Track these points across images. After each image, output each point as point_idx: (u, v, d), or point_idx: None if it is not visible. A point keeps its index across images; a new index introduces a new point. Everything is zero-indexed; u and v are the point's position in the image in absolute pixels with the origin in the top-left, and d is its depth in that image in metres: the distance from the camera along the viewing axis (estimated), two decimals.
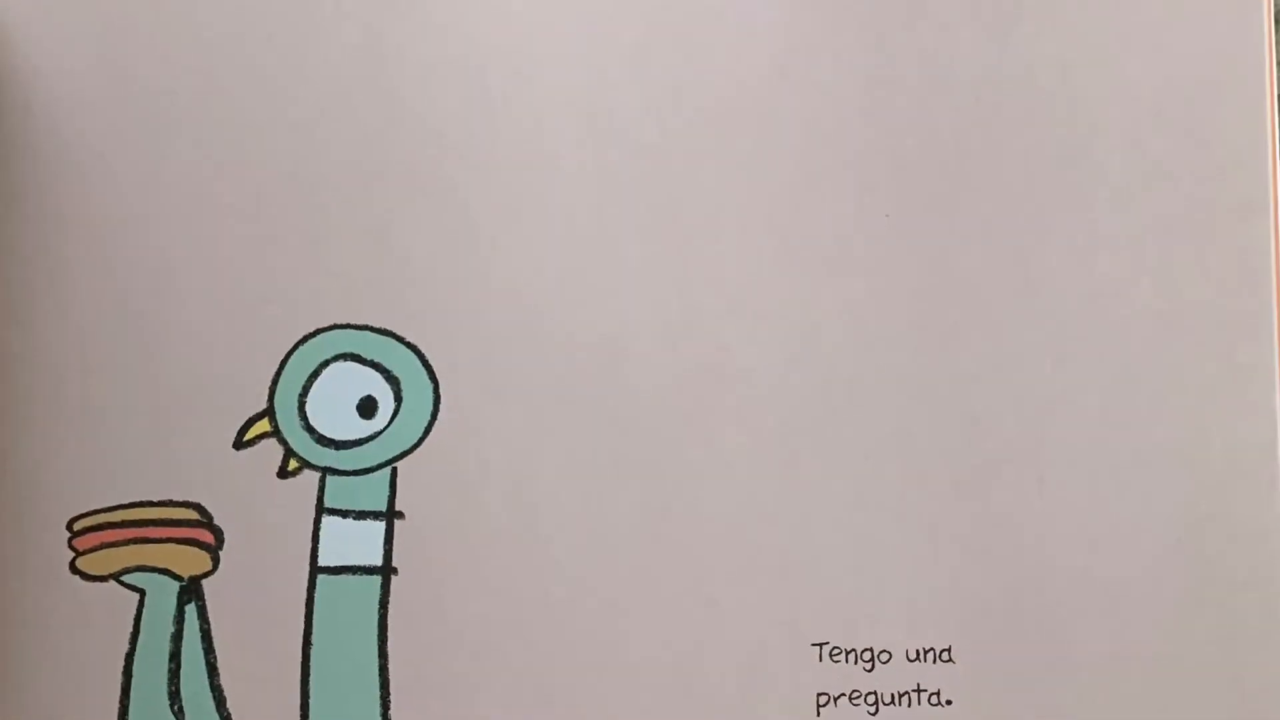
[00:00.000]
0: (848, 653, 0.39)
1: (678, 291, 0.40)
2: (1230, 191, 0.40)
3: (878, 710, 0.39)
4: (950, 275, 0.40)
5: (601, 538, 0.39)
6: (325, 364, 0.39)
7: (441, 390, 0.39)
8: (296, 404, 0.39)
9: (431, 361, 0.39)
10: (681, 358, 0.40)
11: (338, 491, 0.39)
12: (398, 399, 0.39)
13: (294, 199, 0.40)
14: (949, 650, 0.39)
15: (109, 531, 0.39)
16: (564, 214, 0.40)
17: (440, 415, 0.39)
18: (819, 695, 0.39)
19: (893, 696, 0.39)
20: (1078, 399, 0.40)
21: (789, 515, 0.39)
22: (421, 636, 0.39)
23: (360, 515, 0.39)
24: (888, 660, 0.39)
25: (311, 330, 0.39)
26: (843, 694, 0.39)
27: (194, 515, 0.39)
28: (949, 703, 0.39)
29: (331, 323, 0.39)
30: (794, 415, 0.39)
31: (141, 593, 0.39)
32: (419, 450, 0.39)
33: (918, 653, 0.39)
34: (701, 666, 0.39)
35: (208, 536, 0.39)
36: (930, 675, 0.39)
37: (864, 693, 0.39)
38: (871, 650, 0.39)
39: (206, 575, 0.39)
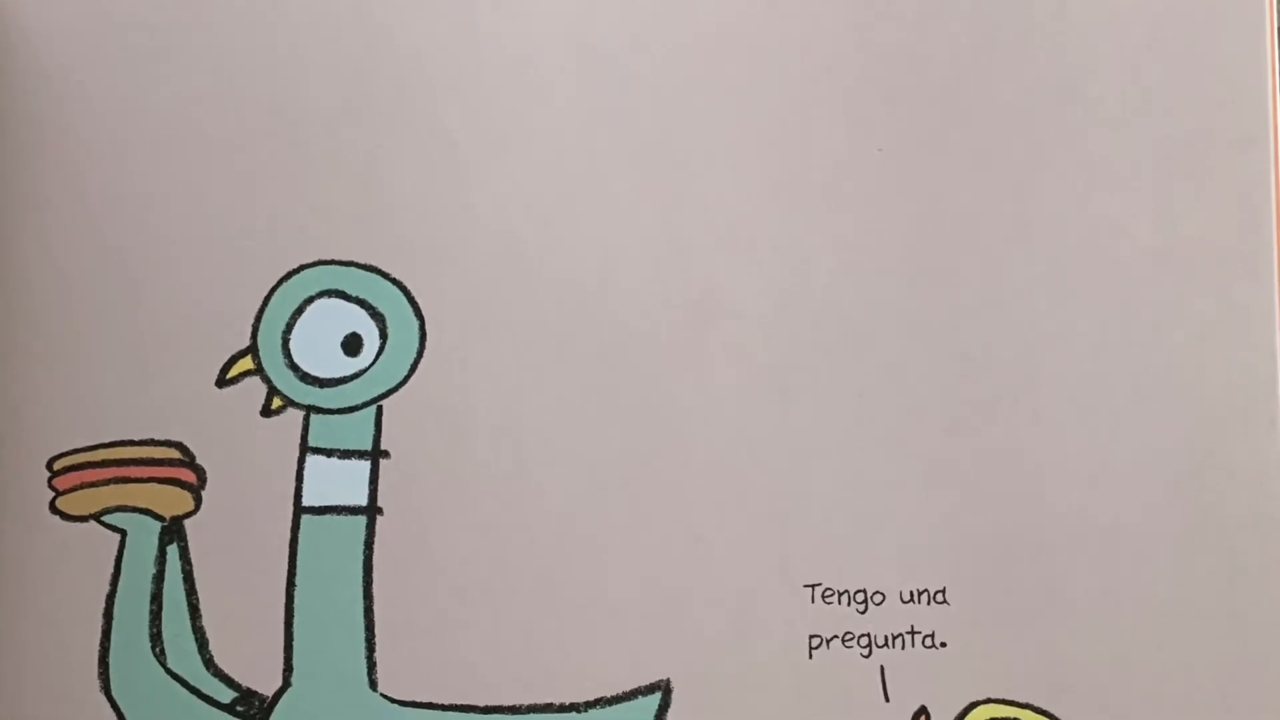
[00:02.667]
0: (841, 594, 0.39)
1: (667, 226, 0.39)
2: (1229, 124, 0.39)
3: (871, 653, 0.38)
4: (944, 209, 0.39)
5: (590, 477, 0.38)
6: (309, 300, 0.39)
7: (428, 327, 0.39)
8: (280, 341, 0.39)
9: (417, 298, 0.39)
10: (671, 293, 0.39)
11: (322, 430, 0.39)
12: (383, 336, 0.39)
13: (278, 132, 0.39)
14: (943, 592, 0.39)
15: (89, 471, 0.38)
16: (552, 147, 0.39)
17: (426, 352, 0.39)
18: (811, 637, 0.38)
19: (886, 639, 0.38)
20: (1074, 336, 0.39)
21: (780, 454, 0.39)
22: (407, 577, 0.38)
23: (345, 454, 0.38)
24: (881, 602, 0.39)
25: (295, 266, 0.39)
26: (835, 636, 0.38)
27: (176, 454, 0.38)
28: (944, 645, 0.38)
29: (316, 258, 0.39)
30: (786, 352, 0.39)
31: (122, 533, 0.38)
32: (404, 388, 0.39)
33: (912, 594, 0.39)
34: (692, 608, 0.38)
35: (190, 476, 0.38)
36: (925, 617, 0.38)
37: (857, 635, 0.38)
38: (865, 592, 0.39)
39: (188, 515, 0.38)
